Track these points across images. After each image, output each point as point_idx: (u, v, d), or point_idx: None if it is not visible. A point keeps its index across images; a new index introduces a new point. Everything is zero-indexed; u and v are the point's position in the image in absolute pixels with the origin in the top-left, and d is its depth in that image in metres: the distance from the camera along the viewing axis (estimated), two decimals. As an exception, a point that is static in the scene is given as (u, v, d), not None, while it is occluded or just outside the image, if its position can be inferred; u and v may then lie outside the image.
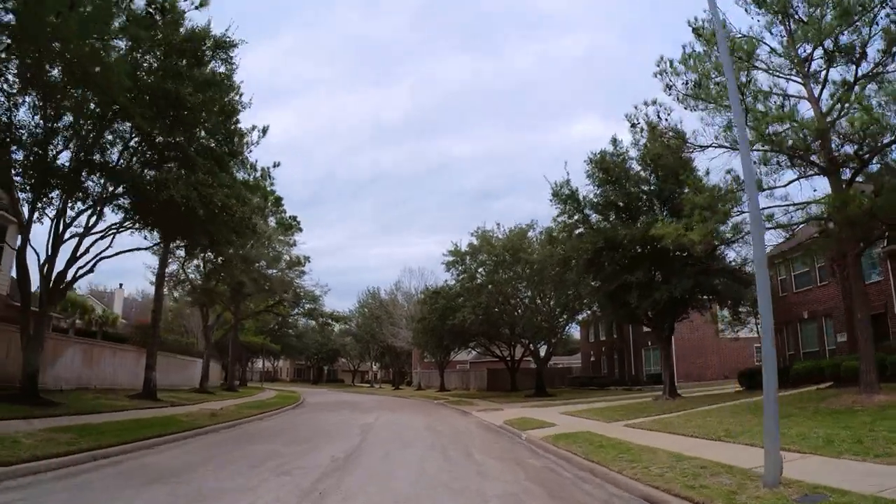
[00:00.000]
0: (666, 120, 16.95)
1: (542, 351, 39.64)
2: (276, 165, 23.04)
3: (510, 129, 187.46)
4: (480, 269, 32.24)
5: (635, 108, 17.34)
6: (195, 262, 29.75)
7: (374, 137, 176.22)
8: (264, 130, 17.98)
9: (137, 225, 17.01)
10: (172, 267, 29.60)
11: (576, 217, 22.59)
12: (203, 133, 16.16)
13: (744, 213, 14.92)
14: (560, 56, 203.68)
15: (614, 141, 21.78)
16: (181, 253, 26.83)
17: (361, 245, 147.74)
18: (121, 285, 39.75)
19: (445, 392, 47.88)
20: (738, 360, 39.07)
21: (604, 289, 22.78)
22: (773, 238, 17.42)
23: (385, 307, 57.98)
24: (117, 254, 17.37)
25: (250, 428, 16.91)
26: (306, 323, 60.83)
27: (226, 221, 16.22)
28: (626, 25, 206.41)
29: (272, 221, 35.52)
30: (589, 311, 35.10)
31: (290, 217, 36.99)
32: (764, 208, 14.30)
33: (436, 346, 39.85)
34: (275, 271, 32.68)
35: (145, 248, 20.02)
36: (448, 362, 50.75)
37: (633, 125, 17.68)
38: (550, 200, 22.72)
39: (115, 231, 16.91)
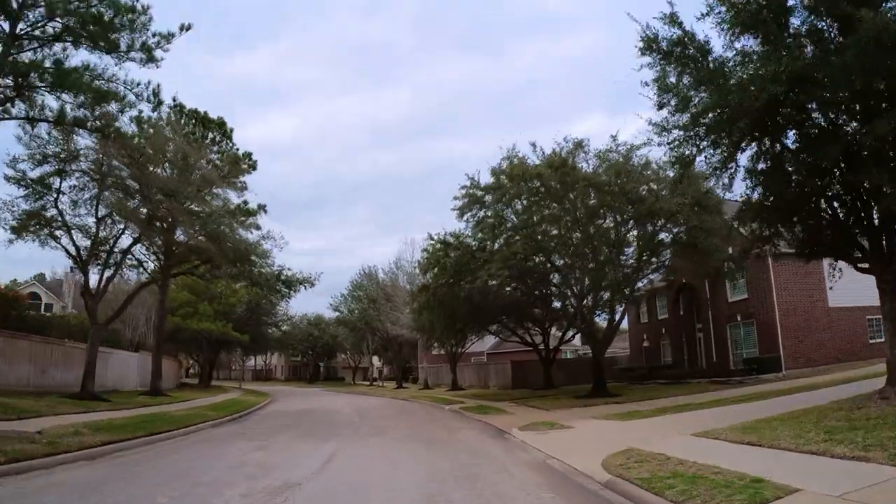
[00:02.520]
0: None
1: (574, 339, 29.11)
2: None
3: (512, 129, 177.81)
4: (505, 209, 21.53)
5: None
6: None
7: (374, 139, 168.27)
8: None
9: None
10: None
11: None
12: None
13: None
14: (561, 57, 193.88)
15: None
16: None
17: (364, 245, 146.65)
18: (72, 269, 30.82)
19: (459, 392, 37.45)
20: (850, 337, 28.75)
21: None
22: None
23: (383, 289, 47.59)
24: None
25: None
26: (288, 308, 50.28)
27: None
28: (630, 24, 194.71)
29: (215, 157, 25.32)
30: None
31: (243, 154, 26.75)
32: None
33: (446, 331, 29.29)
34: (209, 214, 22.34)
35: None
36: (461, 354, 40.28)
37: None
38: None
39: None
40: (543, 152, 21.17)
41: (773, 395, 17.51)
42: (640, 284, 24.74)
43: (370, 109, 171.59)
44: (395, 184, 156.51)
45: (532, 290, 24.41)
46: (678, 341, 35.74)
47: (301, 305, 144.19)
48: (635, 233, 22.28)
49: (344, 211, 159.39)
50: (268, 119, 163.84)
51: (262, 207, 26.48)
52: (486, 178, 22.41)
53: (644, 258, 22.62)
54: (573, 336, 34.37)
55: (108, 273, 21.39)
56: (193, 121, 26.79)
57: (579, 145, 20.48)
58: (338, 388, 55.37)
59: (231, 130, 27.44)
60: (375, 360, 78.57)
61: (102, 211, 20.27)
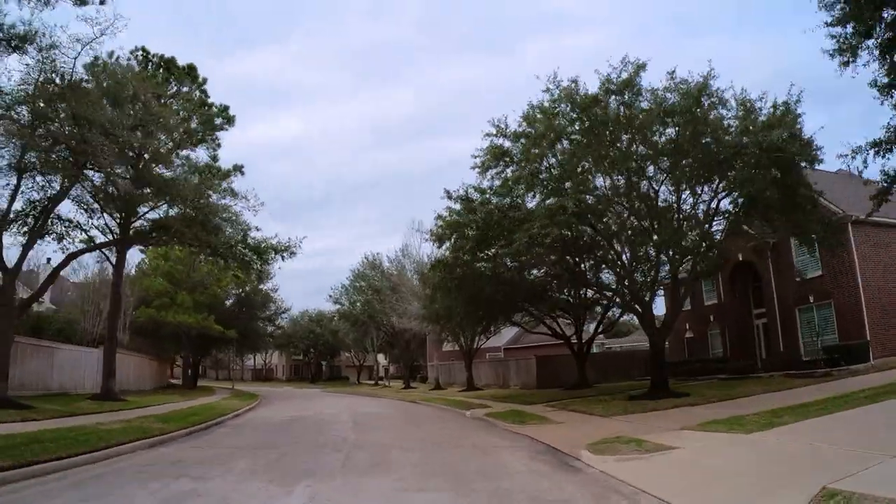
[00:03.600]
0: None
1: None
2: None
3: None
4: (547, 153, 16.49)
5: None
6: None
7: (378, 139, 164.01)
8: None
9: None
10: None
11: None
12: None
13: None
14: (567, 55, 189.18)
15: None
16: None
17: (368, 245, 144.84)
18: (48, 260, 26.55)
19: (475, 392, 32.69)
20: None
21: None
22: None
23: (388, 278, 42.82)
24: None
25: None
26: (282, 301, 45.25)
27: None
28: (636, 22, 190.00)
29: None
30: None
31: (219, 107, 22.03)
32: None
33: (467, 318, 24.27)
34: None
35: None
36: (478, 349, 35.50)
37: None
38: None
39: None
40: (587, 90, 16.32)
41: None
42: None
43: (374, 110, 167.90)
44: (399, 184, 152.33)
45: (577, 262, 19.47)
46: (732, 330, 30.76)
47: (303, 303, 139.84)
48: (715, 184, 17.32)
49: (347, 211, 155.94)
50: (271, 120, 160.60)
51: (237, 169, 21.71)
52: (513, 130, 17.57)
53: (734, 212, 17.69)
54: (612, 325, 29.52)
55: (57, 249, 16.72)
56: (160, 68, 22.16)
57: (641, 68, 15.53)
58: (341, 388, 50.70)
59: (204, 80, 22.75)
60: (381, 358, 73.94)
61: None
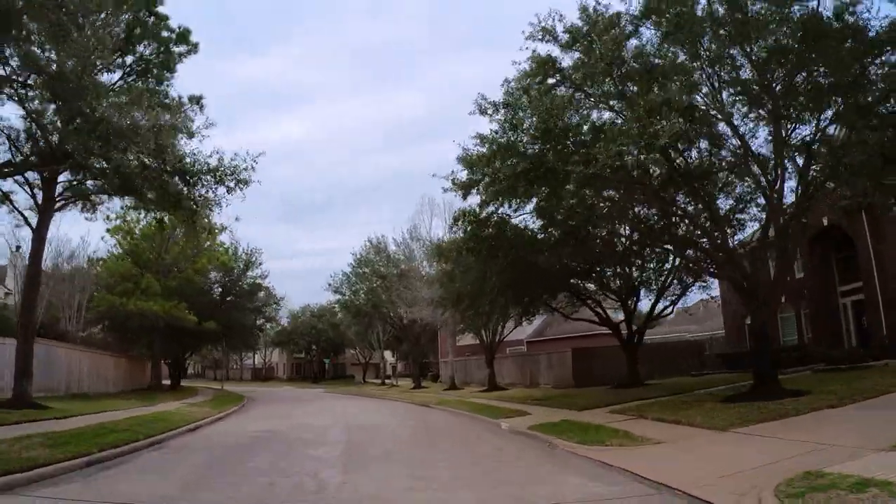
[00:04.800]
0: None
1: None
2: None
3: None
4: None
5: None
6: None
7: (384, 141, 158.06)
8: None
9: None
10: None
11: None
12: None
13: None
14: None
15: None
16: None
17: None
18: (18, 248, 22.10)
19: (499, 392, 27.62)
20: None
21: None
22: None
23: (395, 263, 37.67)
24: None
25: None
26: (272, 287, 39.57)
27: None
28: None
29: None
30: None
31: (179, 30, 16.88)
32: None
33: (500, 298, 18.60)
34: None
35: None
36: (500, 342, 30.34)
37: None
38: None
39: None
40: None
41: None
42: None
43: (379, 111, 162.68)
44: (400, 187, 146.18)
45: (673, 205, 13.97)
46: (811, 310, 25.40)
47: (304, 298, 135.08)
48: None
49: (349, 214, 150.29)
50: (277, 123, 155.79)
51: (196, 100, 16.46)
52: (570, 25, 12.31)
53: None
54: (674, 305, 24.37)
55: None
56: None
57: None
58: (344, 388, 45.71)
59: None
60: (388, 355, 68.97)
61: None
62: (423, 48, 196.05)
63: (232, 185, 14.96)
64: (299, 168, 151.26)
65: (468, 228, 14.33)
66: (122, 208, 17.99)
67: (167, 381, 44.91)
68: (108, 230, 26.22)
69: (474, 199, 14.43)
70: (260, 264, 36.68)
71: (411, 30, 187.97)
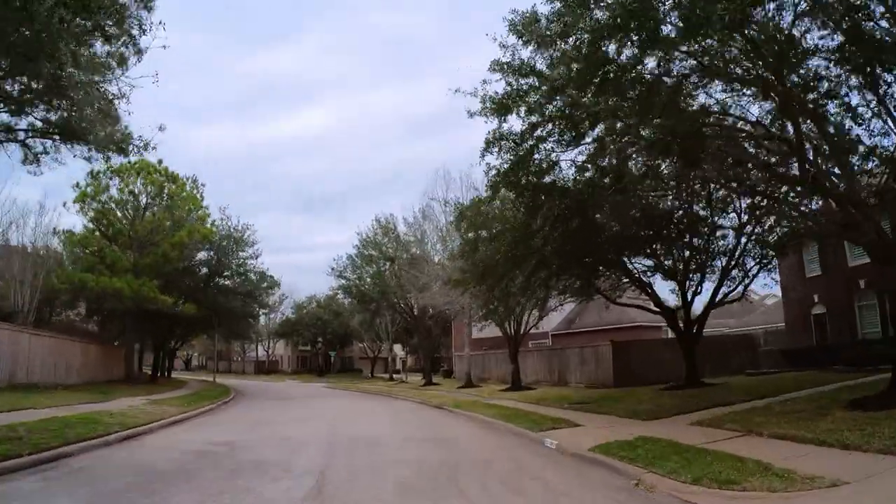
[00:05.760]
0: None
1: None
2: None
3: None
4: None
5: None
6: None
7: (406, 131, 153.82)
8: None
9: None
10: None
11: None
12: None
13: None
14: None
15: None
16: None
17: None
18: None
19: (525, 392, 23.71)
20: None
21: None
22: None
23: (405, 246, 33.66)
24: None
25: None
26: (259, 263, 35.26)
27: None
28: None
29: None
30: None
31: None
32: None
33: (540, 265, 14.03)
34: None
35: None
36: (526, 333, 26.25)
37: None
38: None
39: None
40: None
41: None
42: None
43: (401, 102, 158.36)
44: (420, 178, 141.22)
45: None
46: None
47: (310, 288, 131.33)
48: None
49: (372, 205, 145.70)
50: (298, 115, 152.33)
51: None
52: None
53: None
54: (745, 286, 20.24)
55: None
56: None
57: None
58: (349, 383, 41.89)
59: None
60: (398, 349, 65.13)
61: None
62: (445, 38, 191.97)
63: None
64: (318, 160, 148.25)
65: (508, 157, 10.21)
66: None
67: (185, 372, 41.31)
68: (78, 196, 22.48)
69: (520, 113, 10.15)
70: (254, 243, 32.95)
71: (432, 20, 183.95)
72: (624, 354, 23.51)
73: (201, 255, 28.91)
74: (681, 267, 19.41)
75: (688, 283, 19.86)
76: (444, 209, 32.46)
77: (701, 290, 20.42)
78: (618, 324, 32.68)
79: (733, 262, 18.97)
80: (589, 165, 10.87)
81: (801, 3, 8.84)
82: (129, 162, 25.46)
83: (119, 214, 23.31)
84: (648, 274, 19.84)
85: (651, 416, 12.63)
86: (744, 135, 10.09)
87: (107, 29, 10.97)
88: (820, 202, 13.07)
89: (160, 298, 22.03)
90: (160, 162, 25.40)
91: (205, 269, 30.57)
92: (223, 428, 13.37)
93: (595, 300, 23.84)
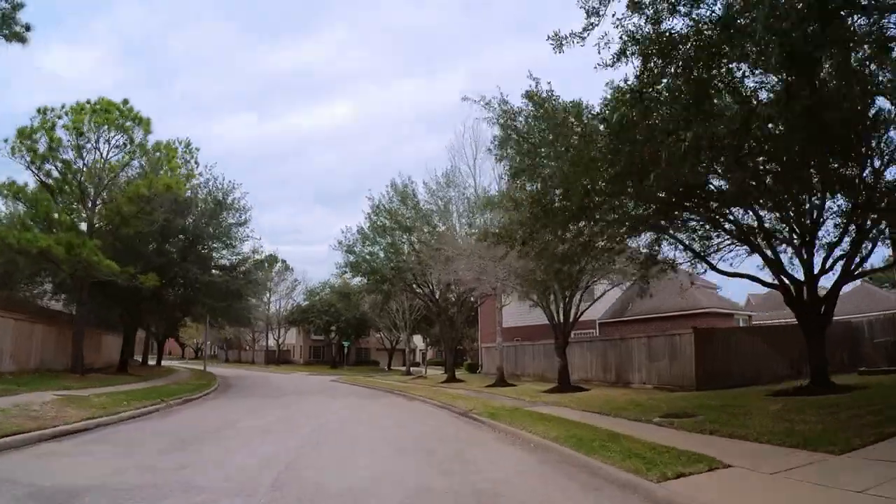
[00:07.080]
0: None
1: None
2: None
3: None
4: None
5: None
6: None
7: (424, 126, 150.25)
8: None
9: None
10: None
11: None
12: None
13: None
14: None
15: None
16: None
17: None
18: None
19: (576, 395, 18.62)
20: None
21: None
22: None
23: (426, 217, 28.43)
24: None
25: None
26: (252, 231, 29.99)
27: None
28: None
29: None
30: None
31: None
32: None
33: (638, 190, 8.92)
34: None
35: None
36: (577, 318, 20.73)
37: None
38: None
39: None
40: None
41: None
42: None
43: (420, 97, 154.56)
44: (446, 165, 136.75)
45: None
46: None
47: (322, 274, 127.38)
48: None
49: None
50: (315, 109, 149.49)
51: None
52: None
53: None
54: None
55: None
56: None
57: None
58: (363, 377, 36.96)
59: None
60: (418, 340, 60.10)
61: None
62: (467, 32, 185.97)
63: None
64: (344, 154, 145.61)
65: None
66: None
67: (141, 359, 36.97)
68: (17, 134, 17.75)
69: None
70: (245, 209, 27.48)
71: (457, 13, 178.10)
72: (709, 346, 17.99)
73: (179, 221, 23.87)
74: (807, 222, 13.88)
75: (811, 248, 14.28)
76: (473, 172, 27.17)
77: (831, 260, 14.78)
78: (680, 310, 27.01)
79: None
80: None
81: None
82: (89, 102, 20.77)
83: (66, 158, 18.44)
84: (758, 233, 14.34)
85: (828, 442, 7.22)
86: None
87: None
88: None
89: (104, 263, 17.01)
90: (125, 102, 20.57)
91: (182, 237, 25.44)
92: (108, 452, 8.24)
93: (670, 279, 18.39)
